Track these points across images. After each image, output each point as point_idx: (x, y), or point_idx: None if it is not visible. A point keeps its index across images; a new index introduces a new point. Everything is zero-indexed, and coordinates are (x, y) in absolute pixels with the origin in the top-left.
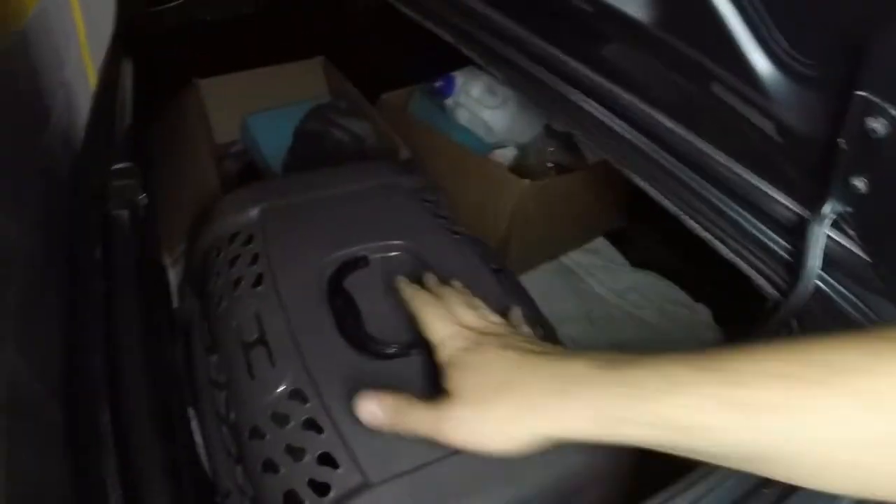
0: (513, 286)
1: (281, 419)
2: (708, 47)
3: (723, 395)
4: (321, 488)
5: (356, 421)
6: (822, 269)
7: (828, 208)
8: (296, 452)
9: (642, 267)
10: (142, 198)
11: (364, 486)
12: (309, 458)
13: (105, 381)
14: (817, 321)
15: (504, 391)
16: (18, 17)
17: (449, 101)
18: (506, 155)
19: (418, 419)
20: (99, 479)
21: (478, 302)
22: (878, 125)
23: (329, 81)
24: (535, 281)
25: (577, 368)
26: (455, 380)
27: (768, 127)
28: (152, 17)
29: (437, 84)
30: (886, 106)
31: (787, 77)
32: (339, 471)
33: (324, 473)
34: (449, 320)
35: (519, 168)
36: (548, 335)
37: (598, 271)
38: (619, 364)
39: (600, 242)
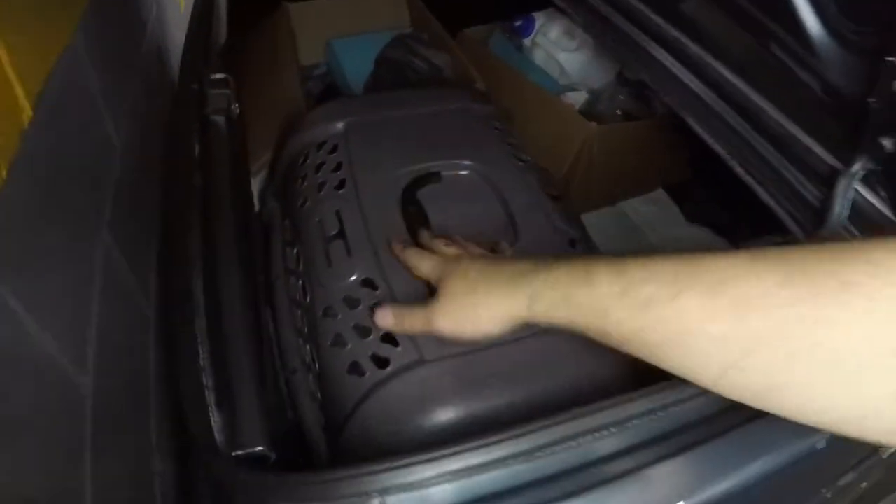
0: (568, 212)
1: (352, 302)
2: (769, 8)
3: (623, 291)
4: (382, 362)
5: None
6: (849, 220)
7: (858, 164)
8: (363, 331)
9: (697, 222)
10: (234, 107)
11: (419, 363)
12: (374, 337)
13: (200, 259)
14: None
15: (473, 288)
16: None
17: (527, 41)
18: (577, 98)
19: (416, 318)
20: (192, 336)
21: (465, 243)
22: None
23: (412, 13)
24: (592, 222)
25: (524, 268)
26: (440, 286)
27: (815, 85)
28: None
29: (517, 23)
30: None
31: (835, 41)
32: (399, 349)
33: (385, 350)
34: (429, 257)
35: (588, 112)
36: None
37: (654, 221)
38: (556, 262)
39: (660, 194)
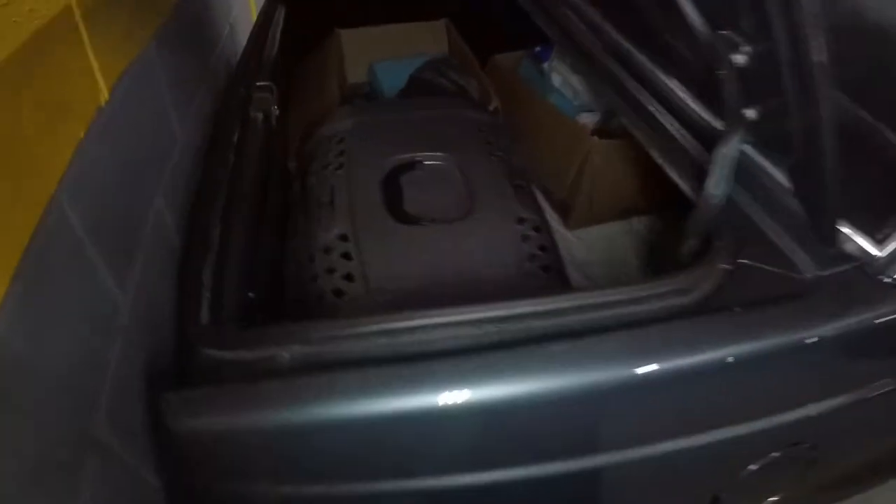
0: (527, 199)
1: (328, 250)
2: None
3: None
4: (341, 294)
5: (374, 258)
6: (742, 185)
7: (728, 131)
8: (332, 272)
9: None
10: (275, 108)
11: (368, 294)
12: (338, 276)
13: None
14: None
15: None
16: None
17: (546, 65)
18: (591, 118)
19: None
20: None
21: None
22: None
23: (450, 40)
24: (602, 233)
25: None
26: None
27: (700, 63)
28: None
29: (537, 49)
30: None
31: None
32: (354, 284)
33: (345, 286)
34: None
35: (601, 131)
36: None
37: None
38: None
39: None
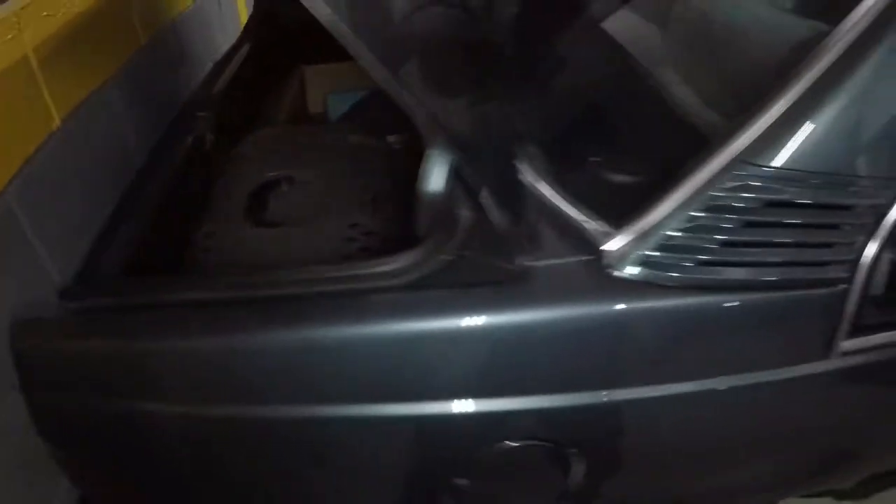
0: (372, 211)
1: (197, 241)
2: None
3: None
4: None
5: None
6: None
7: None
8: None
9: None
10: (209, 135)
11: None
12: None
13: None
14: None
15: None
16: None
17: None
18: None
19: None
20: None
21: None
22: None
23: None
24: None
25: None
26: None
27: None
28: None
29: None
30: None
31: None
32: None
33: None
34: None
35: None
36: None
37: None
38: None
39: None
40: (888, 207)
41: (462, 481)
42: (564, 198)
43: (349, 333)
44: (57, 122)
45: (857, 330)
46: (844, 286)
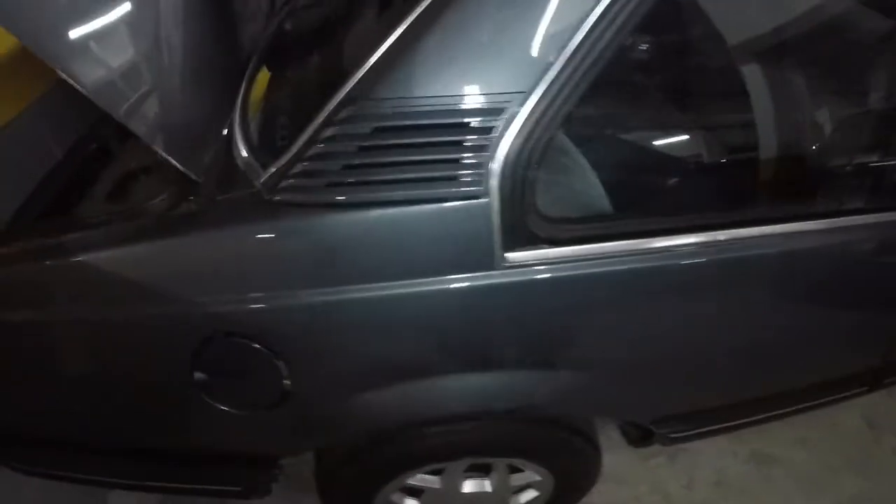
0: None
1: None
2: None
3: None
4: None
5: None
6: None
7: None
8: None
9: None
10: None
11: None
12: None
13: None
14: None
15: None
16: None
17: None
18: None
19: None
20: None
21: None
22: None
23: None
24: None
25: None
26: None
27: None
28: None
29: None
30: None
31: None
32: None
33: None
34: None
35: None
36: None
37: None
38: None
39: None
40: (507, 122)
41: (200, 375)
42: (244, 144)
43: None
44: None
45: (521, 242)
46: (485, 200)
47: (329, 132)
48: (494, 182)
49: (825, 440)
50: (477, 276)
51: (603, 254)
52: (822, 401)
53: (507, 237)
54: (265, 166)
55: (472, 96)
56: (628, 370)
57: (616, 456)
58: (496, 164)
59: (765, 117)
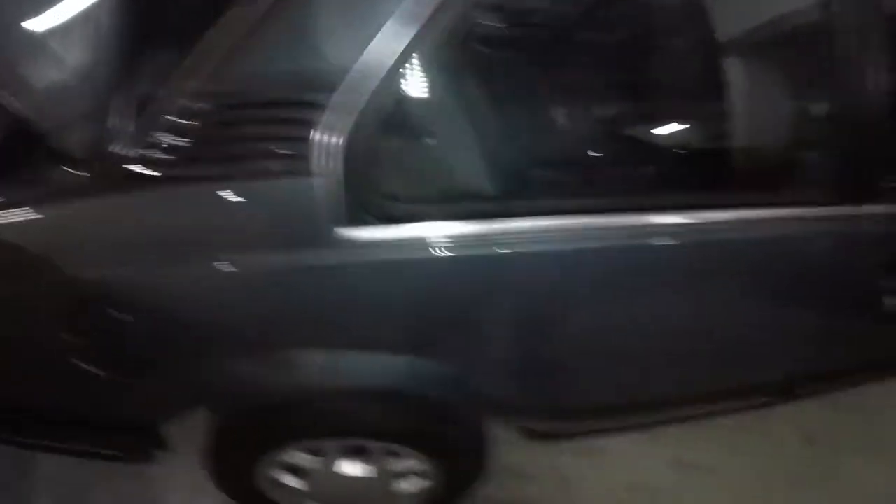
0: None
1: None
2: None
3: None
4: None
5: None
6: None
7: None
8: None
9: None
10: None
11: None
12: None
13: None
14: None
15: None
16: None
17: None
18: None
19: None
20: None
21: None
22: None
23: None
24: None
25: None
26: None
27: None
28: None
29: None
30: None
31: None
32: None
33: None
34: None
35: None
36: None
37: None
38: None
39: None
40: (341, 97)
41: (71, 338)
42: (116, 119)
43: None
44: None
45: (358, 221)
46: (324, 177)
47: (176, 111)
48: (326, 158)
49: (758, 449)
50: (310, 253)
51: (451, 236)
52: (728, 406)
53: (340, 214)
54: (126, 142)
55: (305, 72)
56: (489, 363)
57: (524, 452)
58: (327, 139)
59: None
